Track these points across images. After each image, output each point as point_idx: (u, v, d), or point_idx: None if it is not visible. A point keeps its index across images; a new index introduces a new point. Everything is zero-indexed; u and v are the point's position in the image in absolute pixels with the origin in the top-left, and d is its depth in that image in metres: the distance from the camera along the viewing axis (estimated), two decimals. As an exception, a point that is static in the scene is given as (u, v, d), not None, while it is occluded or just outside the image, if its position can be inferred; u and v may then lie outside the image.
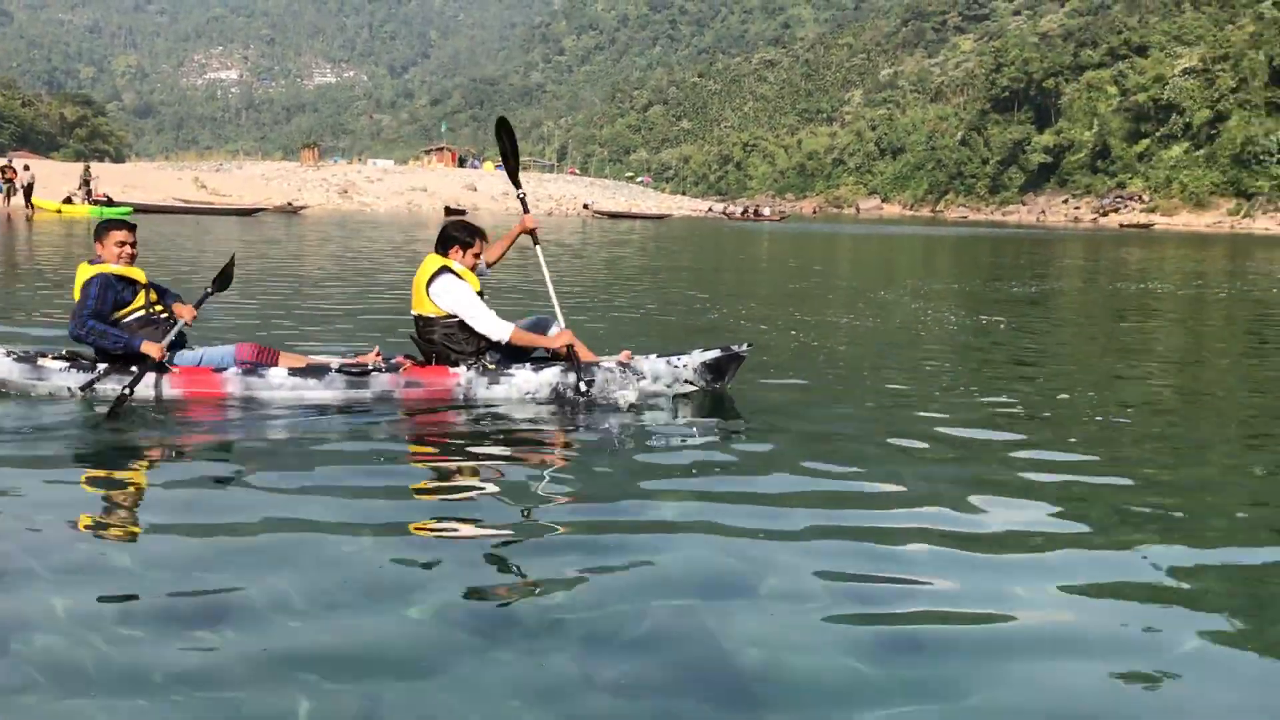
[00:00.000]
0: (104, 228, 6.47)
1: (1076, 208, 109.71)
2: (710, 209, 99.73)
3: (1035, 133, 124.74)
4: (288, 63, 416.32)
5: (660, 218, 72.99)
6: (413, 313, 6.88)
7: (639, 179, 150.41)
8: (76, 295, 6.28)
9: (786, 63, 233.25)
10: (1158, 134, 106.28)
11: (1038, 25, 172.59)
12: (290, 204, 54.97)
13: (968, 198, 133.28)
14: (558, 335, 6.81)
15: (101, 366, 6.23)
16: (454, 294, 6.69)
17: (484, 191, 73.28)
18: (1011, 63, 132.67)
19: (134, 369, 6.16)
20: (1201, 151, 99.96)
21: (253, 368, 6.38)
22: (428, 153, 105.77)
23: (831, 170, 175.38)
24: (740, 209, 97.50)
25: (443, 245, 6.88)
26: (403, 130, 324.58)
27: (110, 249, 6.39)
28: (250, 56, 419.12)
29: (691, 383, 6.86)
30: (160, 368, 6.24)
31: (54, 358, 6.33)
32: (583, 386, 6.54)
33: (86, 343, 6.24)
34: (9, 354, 6.35)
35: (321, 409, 6.28)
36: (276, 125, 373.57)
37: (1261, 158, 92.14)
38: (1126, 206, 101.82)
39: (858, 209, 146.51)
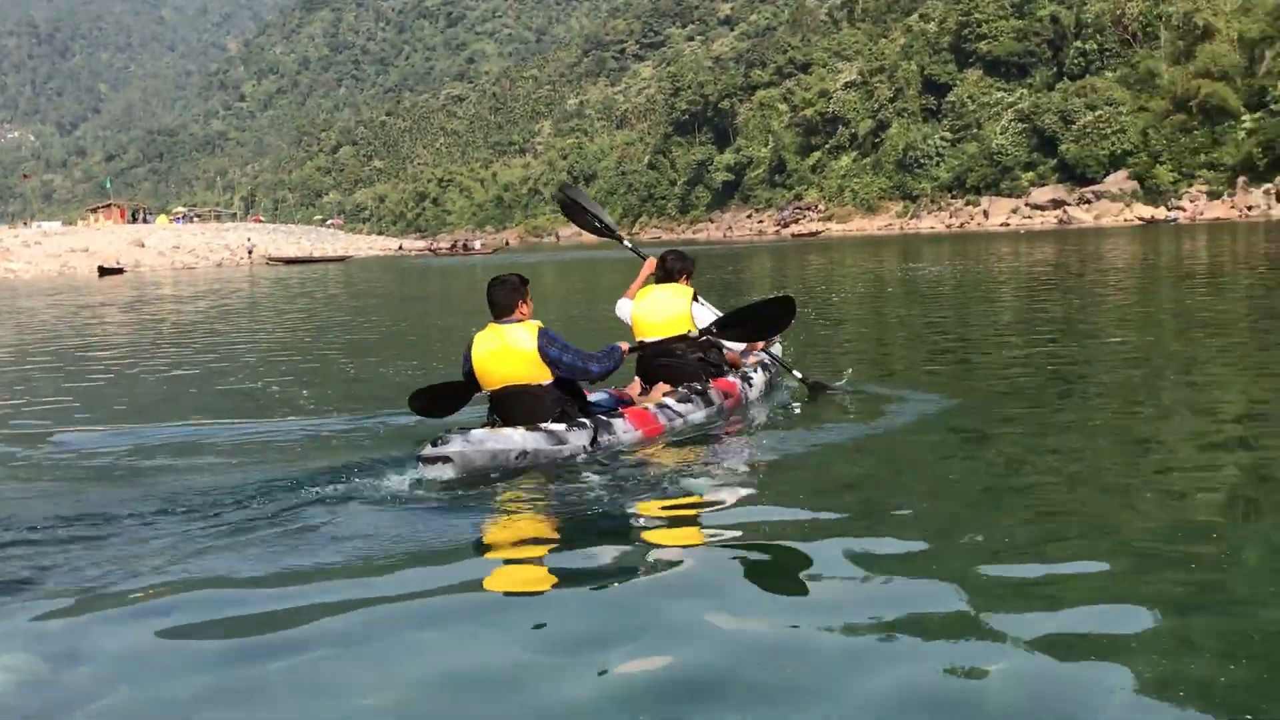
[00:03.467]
0: (521, 288, 6.28)
1: (760, 221, 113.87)
2: (400, 246, 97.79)
3: (716, 152, 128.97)
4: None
5: (341, 260, 70.86)
6: (664, 336, 7.24)
7: (328, 221, 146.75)
8: (527, 350, 6.08)
9: (474, 97, 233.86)
10: (827, 145, 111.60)
11: (710, 50, 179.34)
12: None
13: (660, 219, 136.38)
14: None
15: (587, 421, 6.23)
16: (708, 315, 7.40)
17: (151, 247, 68.81)
18: (688, 87, 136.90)
19: (603, 418, 6.35)
20: (868, 159, 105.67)
21: (664, 405, 6.79)
22: (94, 211, 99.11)
23: (529, 200, 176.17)
24: (449, 244, 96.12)
25: (673, 276, 7.50)
26: (76, 189, 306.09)
27: (530, 305, 6.31)
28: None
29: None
30: (615, 414, 6.48)
31: (554, 420, 6.14)
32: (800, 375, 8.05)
33: (608, 374, 6.49)
34: (526, 428, 6.01)
35: (700, 427, 6.87)
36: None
37: (922, 161, 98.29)
38: (805, 216, 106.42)
39: (558, 237, 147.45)
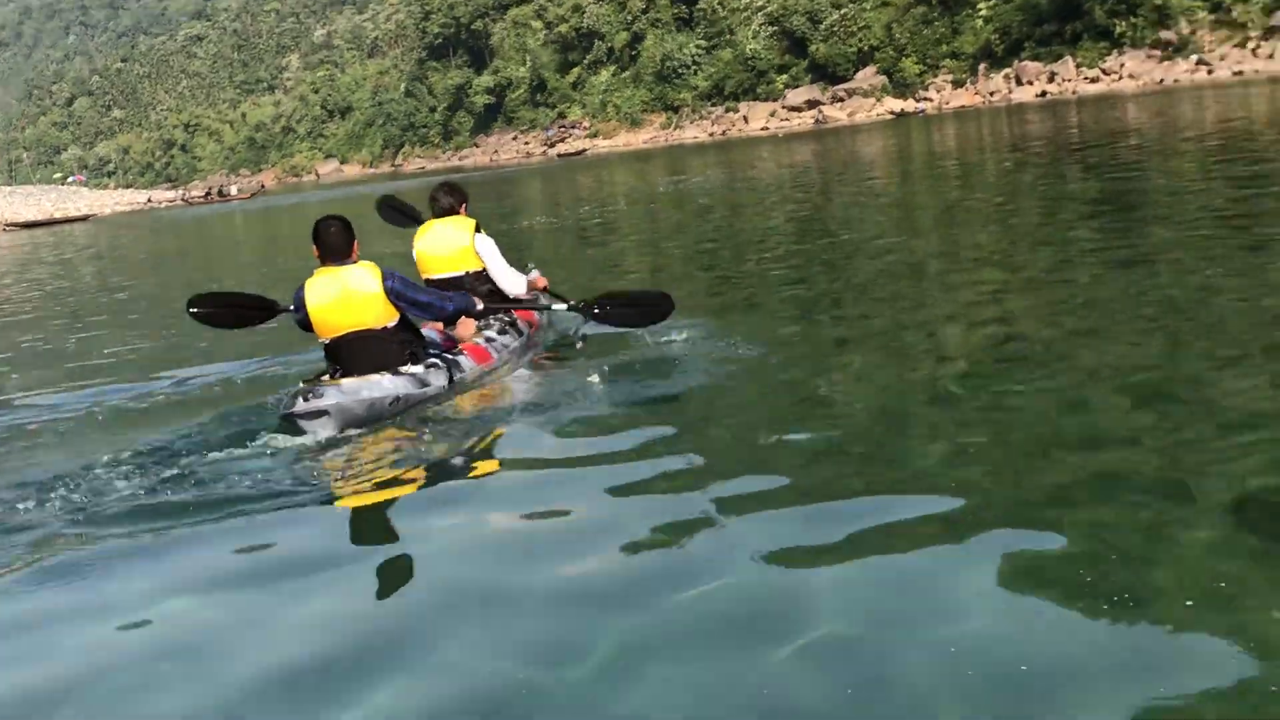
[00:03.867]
0: (351, 231, 5.82)
1: (526, 143, 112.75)
2: (149, 199, 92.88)
3: (475, 75, 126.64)
4: None
5: (84, 219, 67.01)
6: (451, 273, 7.08)
7: (69, 179, 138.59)
8: (372, 292, 5.71)
9: (215, 36, 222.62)
10: (585, 61, 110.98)
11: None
12: None
13: (424, 148, 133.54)
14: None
15: (437, 360, 6.10)
16: (491, 248, 7.17)
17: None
18: (438, 9, 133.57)
19: (450, 356, 6.25)
20: (627, 73, 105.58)
21: (488, 340, 6.79)
22: None
23: (283, 139, 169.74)
24: (202, 192, 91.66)
25: (452, 210, 7.25)
26: None
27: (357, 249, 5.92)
28: None
29: None
30: (458, 351, 6.40)
31: (409, 362, 5.92)
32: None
33: (460, 313, 6.49)
34: (391, 373, 5.73)
35: (516, 355, 6.99)
36: None
37: (680, 71, 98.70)
38: (571, 135, 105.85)
39: (318, 175, 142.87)
